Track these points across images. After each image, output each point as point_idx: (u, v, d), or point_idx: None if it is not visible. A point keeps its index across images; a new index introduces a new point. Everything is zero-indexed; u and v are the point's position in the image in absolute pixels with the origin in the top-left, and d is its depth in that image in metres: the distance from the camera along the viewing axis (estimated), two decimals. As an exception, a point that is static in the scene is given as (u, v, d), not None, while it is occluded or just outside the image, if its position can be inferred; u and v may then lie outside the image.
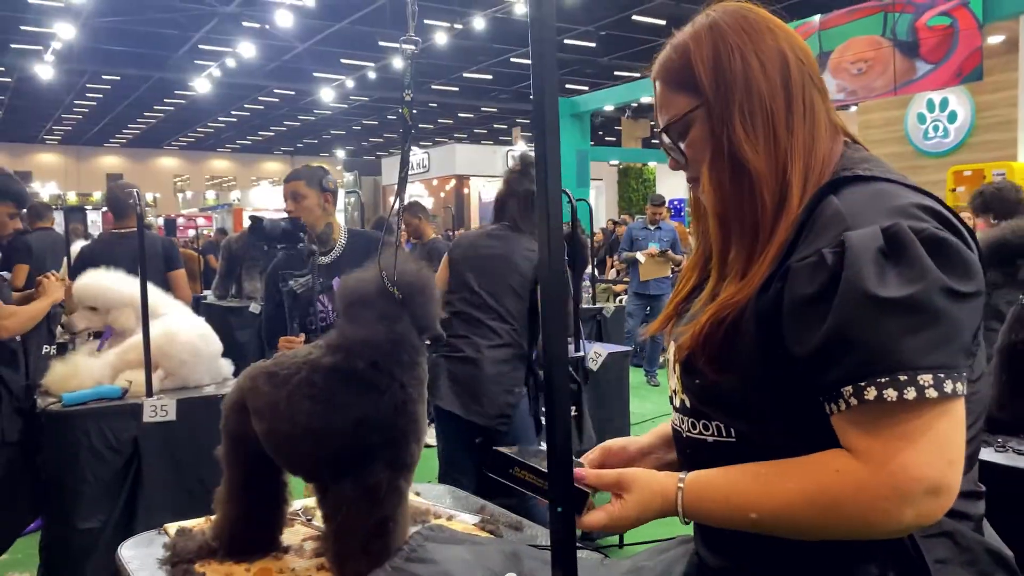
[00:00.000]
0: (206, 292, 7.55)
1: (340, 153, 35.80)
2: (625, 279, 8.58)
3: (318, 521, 1.54)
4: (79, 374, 2.88)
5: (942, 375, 0.88)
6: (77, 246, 4.86)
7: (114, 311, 3.03)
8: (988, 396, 1.04)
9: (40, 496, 2.83)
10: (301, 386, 1.27)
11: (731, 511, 0.98)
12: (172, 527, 1.54)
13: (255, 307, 6.90)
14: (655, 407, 6.88)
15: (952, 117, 12.06)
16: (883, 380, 0.88)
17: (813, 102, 1.07)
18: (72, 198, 27.31)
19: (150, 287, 2.94)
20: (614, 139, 26.29)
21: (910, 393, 0.88)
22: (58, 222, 12.96)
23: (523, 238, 3.12)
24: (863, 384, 0.89)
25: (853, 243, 0.91)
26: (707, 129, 1.07)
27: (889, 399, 0.88)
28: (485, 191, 19.27)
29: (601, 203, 19.50)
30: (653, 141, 24.49)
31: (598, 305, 6.77)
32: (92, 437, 2.69)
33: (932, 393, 0.88)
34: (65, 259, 4.52)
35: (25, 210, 3.22)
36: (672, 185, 17.75)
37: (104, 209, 24.94)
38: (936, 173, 11.34)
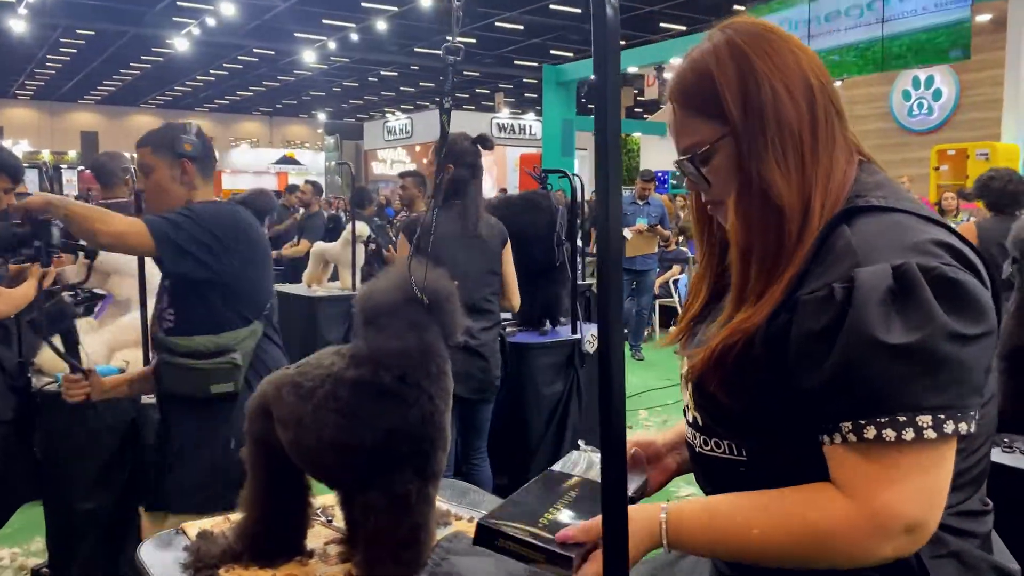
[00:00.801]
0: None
1: (321, 116, 35.34)
2: (611, 253, 8.57)
3: (338, 522, 1.54)
4: (73, 353, 2.84)
5: (942, 416, 0.90)
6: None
7: (115, 276, 2.94)
8: (995, 415, 1.06)
9: (36, 475, 2.79)
10: (327, 399, 1.25)
11: (713, 543, 1.00)
12: (191, 527, 1.52)
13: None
14: (640, 381, 6.93)
15: (937, 95, 12.11)
16: (883, 420, 0.90)
17: (834, 127, 1.06)
18: (47, 156, 26.81)
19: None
20: (597, 107, 26.07)
21: (908, 434, 0.90)
22: (31, 179, 12.64)
23: (478, 219, 3.18)
24: (863, 423, 0.91)
25: (862, 281, 0.91)
26: (733, 159, 1.05)
27: (887, 439, 0.90)
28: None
29: (585, 173, 19.44)
30: (636, 110, 24.38)
31: (587, 281, 6.77)
32: (89, 418, 2.66)
33: (931, 434, 0.90)
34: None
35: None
36: (657, 157, 17.73)
37: (80, 168, 24.54)
38: (920, 151, 11.42)
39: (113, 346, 2.90)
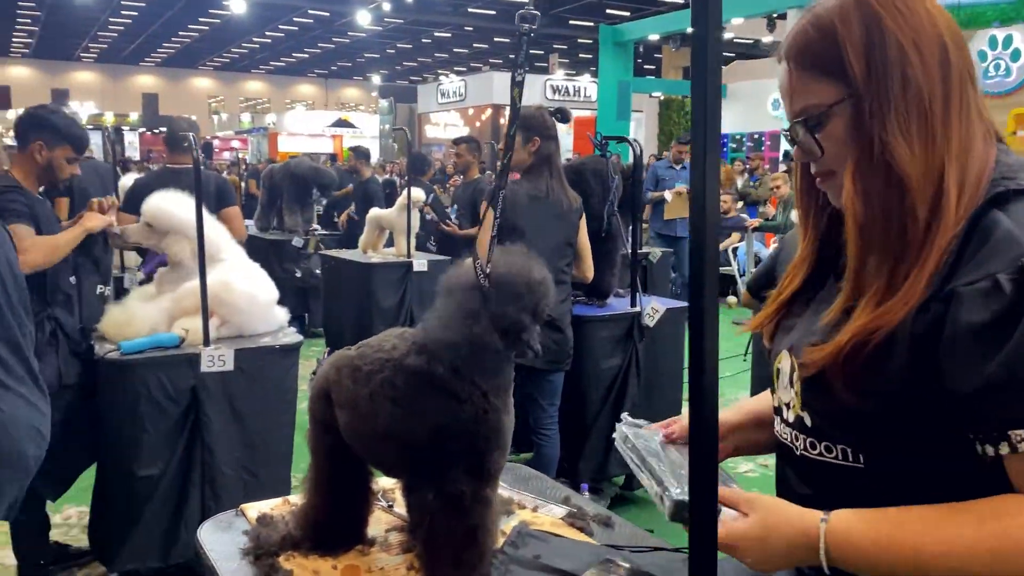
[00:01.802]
0: (247, 222, 7.51)
1: (375, 79, 35.35)
2: (652, 219, 8.38)
3: (399, 507, 1.50)
4: (134, 320, 2.85)
5: None
6: (129, 178, 4.81)
7: (171, 236, 2.92)
8: None
9: (97, 440, 2.83)
10: (383, 385, 1.19)
11: (891, 558, 0.90)
12: (250, 509, 1.50)
13: (298, 241, 6.87)
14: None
15: (1015, 55, 11.50)
16: None
17: (968, 98, 0.96)
18: (110, 118, 27.34)
19: (215, 225, 2.87)
20: (653, 67, 25.60)
21: None
22: (95, 141, 12.93)
23: (561, 191, 3.22)
24: None
25: None
26: (851, 124, 0.96)
27: None
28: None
29: (640, 137, 19.07)
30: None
31: (644, 250, 6.63)
32: (151, 386, 2.67)
33: None
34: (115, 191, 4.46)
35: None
36: (715, 119, 17.24)
37: (142, 130, 24.97)
38: (997, 115, 10.79)
39: (173, 314, 2.90)
